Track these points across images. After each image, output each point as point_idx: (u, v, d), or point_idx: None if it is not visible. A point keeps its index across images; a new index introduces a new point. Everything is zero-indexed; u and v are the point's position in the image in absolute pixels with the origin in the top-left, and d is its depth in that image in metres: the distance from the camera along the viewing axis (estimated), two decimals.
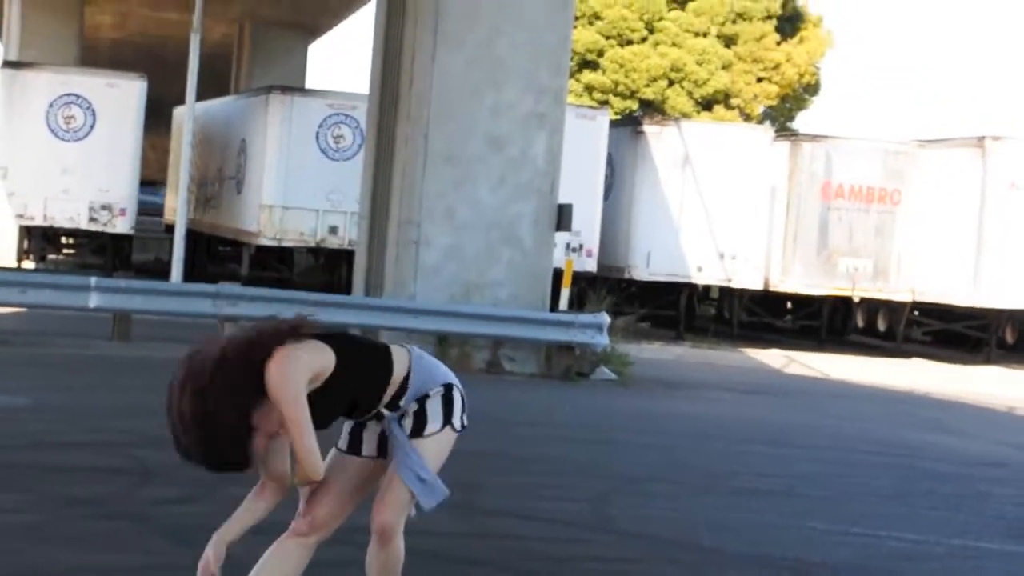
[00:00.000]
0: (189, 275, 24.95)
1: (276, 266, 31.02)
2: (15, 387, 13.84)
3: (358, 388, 5.69)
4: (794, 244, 29.33)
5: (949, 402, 20.89)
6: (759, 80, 48.37)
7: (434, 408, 5.92)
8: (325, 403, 5.54)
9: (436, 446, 5.98)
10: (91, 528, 8.02)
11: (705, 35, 47.35)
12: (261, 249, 29.49)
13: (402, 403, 5.82)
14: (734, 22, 47.58)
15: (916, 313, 30.55)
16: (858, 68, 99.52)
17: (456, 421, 6.00)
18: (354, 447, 5.92)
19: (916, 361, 28.41)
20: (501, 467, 11.53)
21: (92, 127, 30.06)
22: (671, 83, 47.05)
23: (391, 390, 5.77)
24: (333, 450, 5.95)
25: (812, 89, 50.54)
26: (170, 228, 30.90)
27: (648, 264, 28.84)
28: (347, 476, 5.90)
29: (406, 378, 5.80)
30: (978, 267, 28.43)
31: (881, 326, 31.17)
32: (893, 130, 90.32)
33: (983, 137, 28.73)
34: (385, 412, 5.81)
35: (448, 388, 5.94)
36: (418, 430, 5.89)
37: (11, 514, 8.30)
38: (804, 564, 8.57)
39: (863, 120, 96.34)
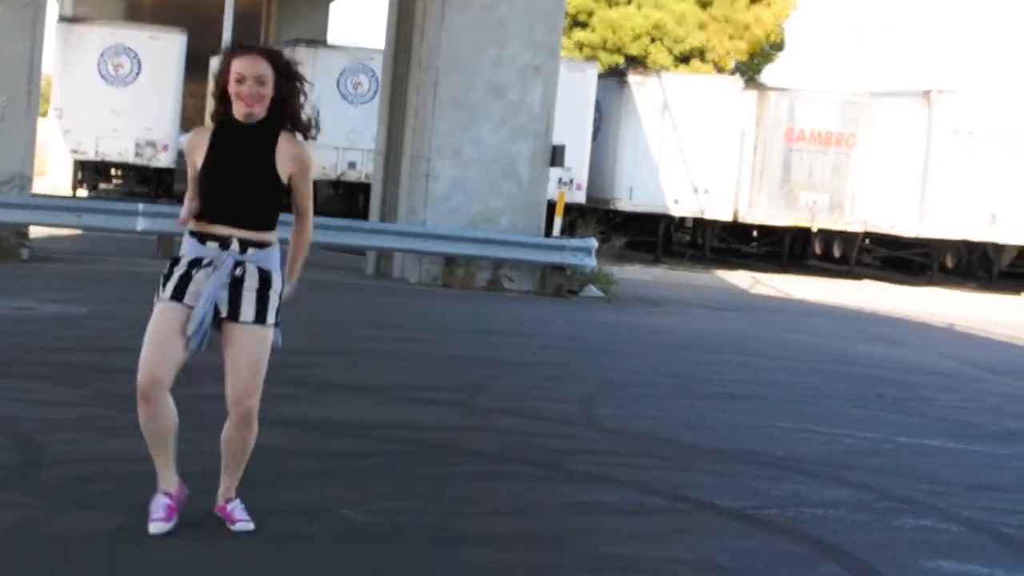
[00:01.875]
0: None
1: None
2: (75, 298, 13.81)
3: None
4: (760, 180, 29.27)
5: (896, 319, 20.88)
6: (731, 38, 48.03)
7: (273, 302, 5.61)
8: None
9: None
10: (136, 420, 7.97)
11: None
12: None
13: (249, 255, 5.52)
14: None
15: (867, 242, 30.60)
16: (819, 26, 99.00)
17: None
18: (177, 295, 5.55)
19: (867, 283, 28.41)
20: (500, 372, 11.51)
21: (138, 74, 29.99)
22: (653, 40, 46.75)
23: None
24: (156, 305, 5.62)
25: (778, 46, 50.23)
26: None
27: (631, 197, 28.84)
28: (173, 327, 5.56)
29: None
30: (923, 202, 28.46)
31: (836, 253, 31.22)
32: (849, 82, 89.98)
33: (929, 91, 28.80)
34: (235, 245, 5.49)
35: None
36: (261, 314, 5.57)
37: (73, 407, 8.29)
38: (770, 457, 8.57)
39: (823, 73, 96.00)
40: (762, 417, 10.17)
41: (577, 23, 46.51)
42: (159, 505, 5.71)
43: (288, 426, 7.54)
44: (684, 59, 47.14)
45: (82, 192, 31.63)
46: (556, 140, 19.51)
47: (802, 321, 19.27)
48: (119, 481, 6.53)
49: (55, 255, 18.17)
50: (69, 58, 29.92)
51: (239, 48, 5.56)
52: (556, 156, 19.42)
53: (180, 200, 26.15)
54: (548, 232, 20.04)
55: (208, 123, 5.74)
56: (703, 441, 8.95)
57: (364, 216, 23.79)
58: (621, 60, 46.18)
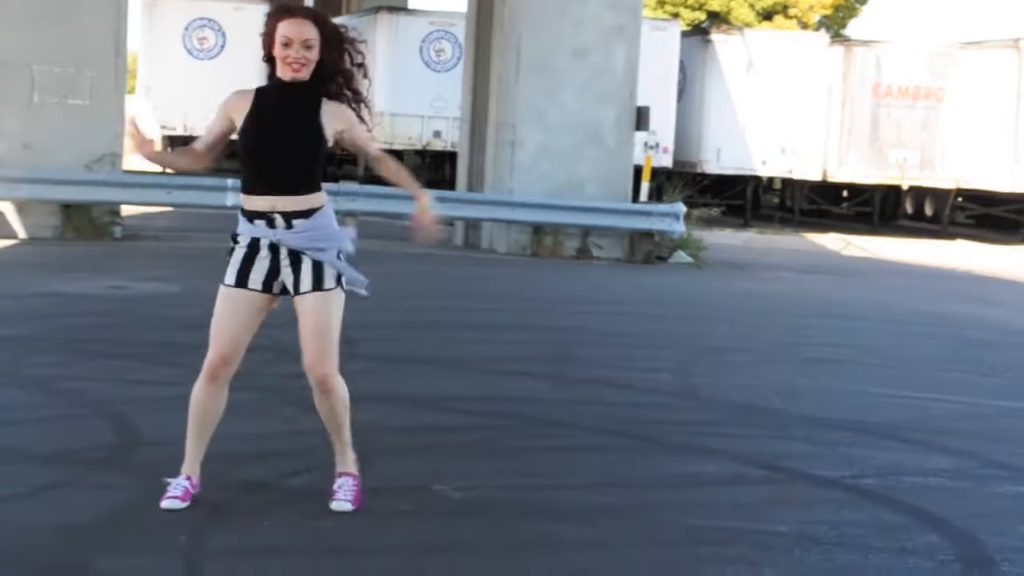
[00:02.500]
0: None
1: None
2: (167, 276, 13.96)
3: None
4: (849, 138, 28.89)
5: (991, 278, 20.57)
6: None
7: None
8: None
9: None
10: (235, 399, 7.96)
11: None
12: None
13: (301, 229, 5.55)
14: None
15: (959, 199, 30.06)
16: None
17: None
18: (242, 281, 5.68)
19: (960, 242, 27.99)
20: (591, 341, 11.48)
21: (223, 47, 30.15)
22: None
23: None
24: (224, 288, 5.72)
25: None
26: None
27: (718, 159, 28.58)
28: (239, 312, 5.72)
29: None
30: (1017, 156, 27.88)
31: (928, 211, 30.74)
32: (938, 34, 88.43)
33: (1019, 39, 28.13)
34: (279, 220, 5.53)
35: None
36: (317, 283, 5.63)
37: (166, 387, 8.36)
38: (866, 424, 8.47)
39: (910, 25, 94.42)
40: (857, 383, 10.06)
41: None
42: (179, 485, 5.79)
43: (375, 401, 7.57)
44: (767, 15, 46.64)
45: (171, 169, 31.93)
46: (640, 103, 19.37)
47: (895, 283, 19.04)
48: (216, 460, 6.56)
49: (147, 232, 18.38)
50: (154, 34, 30.19)
51: (284, 11, 5.58)
52: (641, 119, 19.30)
53: None
54: (635, 198, 19.93)
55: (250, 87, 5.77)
56: (798, 409, 8.86)
57: (450, 185, 23.79)
58: (703, 17, 45.76)
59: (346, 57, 5.61)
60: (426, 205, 5.69)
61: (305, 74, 5.51)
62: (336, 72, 5.58)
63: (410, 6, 38.11)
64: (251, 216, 5.62)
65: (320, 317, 5.63)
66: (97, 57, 17.44)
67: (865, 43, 29.65)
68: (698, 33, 30.39)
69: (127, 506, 5.81)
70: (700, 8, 46.12)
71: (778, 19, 46.49)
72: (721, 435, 7.91)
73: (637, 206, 19.27)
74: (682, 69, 28.65)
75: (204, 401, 5.84)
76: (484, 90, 19.76)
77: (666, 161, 27.52)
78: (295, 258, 5.60)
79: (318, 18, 5.56)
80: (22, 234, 17.03)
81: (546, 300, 14.32)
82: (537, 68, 18.90)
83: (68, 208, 17.28)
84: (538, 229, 18.85)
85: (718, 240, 22.64)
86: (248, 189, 5.61)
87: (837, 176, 29.21)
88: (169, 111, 30.09)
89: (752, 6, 46.18)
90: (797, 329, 13.07)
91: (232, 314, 5.71)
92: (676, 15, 42.96)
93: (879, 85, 28.86)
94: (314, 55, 5.51)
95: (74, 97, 17.42)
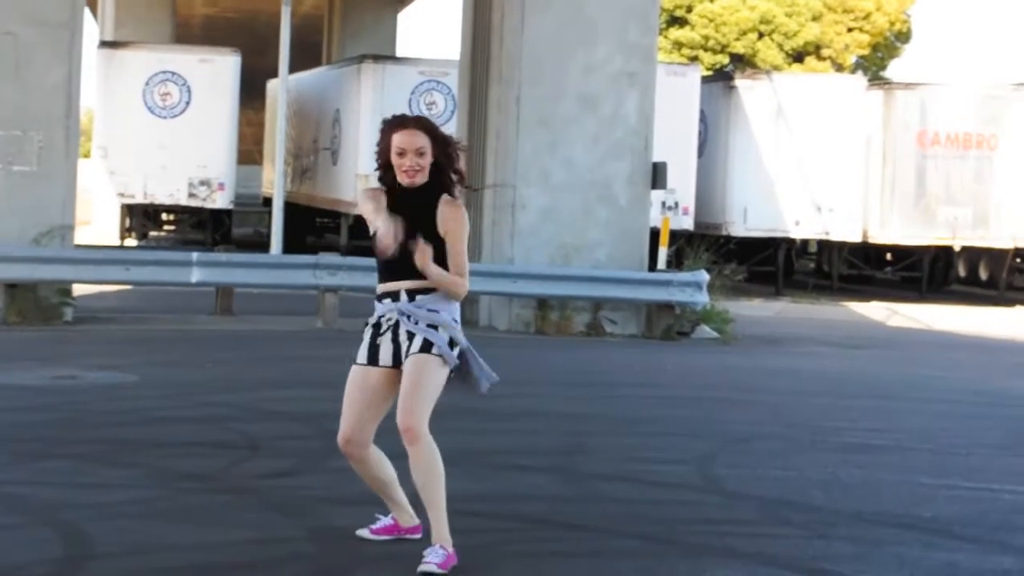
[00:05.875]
0: (288, 247, 25.04)
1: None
2: (123, 364, 13.94)
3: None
4: (891, 194, 28.97)
5: None
6: (849, 30, 47.80)
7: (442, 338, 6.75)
8: None
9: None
10: (200, 502, 8.03)
11: None
12: (360, 219, 29.41)
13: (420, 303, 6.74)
14: None
15: (1019, 260, 30.08)
16: (949, 12, 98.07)
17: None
18: (372, 359, 6.79)
19: (1020, 309, 27.97)
20: (604, 429, 11.44)
21: (188, 103, 30.25)
22: (761, 36, 46.61)
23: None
24: (353, 366, 6.86)
25: (903, 37, 49.88)
26: (268, 201, 31.06)
27: (745, 220, 28.62)
28: (368, 388, 6.80)
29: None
30: None
31: (983, 274, 30.77)
32: (988, 74, 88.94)
33: None
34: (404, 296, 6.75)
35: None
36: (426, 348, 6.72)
37: (121, 489, 8.33)
38: (917, 519, 8.41)
39: (956, 65, 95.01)
40: (905, 472, 10.00)
41: (674, 20, 46.54)
42: (381, 520, 7.17)
43: (361, 503, 7.52)
44: (797, 56, 46.98)
45: (131, 241, 32.00)
46: (657, 157, 19.43)
47: (947, 357, 19.01)
48: (180, 574, 6.54)
49: (101, 314, 18.39)
50: (112, 88, 30.27)
51: (398, 122, 6.82)
52: (658, 176, 19.35)
53: (239, 247, 26.26)
54: (652, 265, 19.96)
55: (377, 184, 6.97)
56: (838, 503, 8.81)
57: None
58: (726, 60, 46.09)
59: (454, 155, 6.87)
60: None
61: (420, 179, 6.76)
62: (451, 171, 6.86)
63: (399, 54, 38.47)
64: (381, 297, 6.89)
65: (417, 373, 6.68)
66: (45, 117, 17.50)
67: (908, 86, 29.80)
68: (720, 79, 30.56)
69: None
70: (722, 51, 46.45)
71: (810, 61, 46.81)
72: (750, 535, 7.85)
73: (654, 275, 19.28)
74: (703, 119, 28.78)
75: (360, 471, 6.99)
76: (481, 146, 19.82)
77: (686, 223, 27.60)
78: (411, 334, 6.75)
79: (427, 126, 6.81)
80: None
81: (553, 383, 14.29)
82: (539, 120, 18.99)
83: (12, 288, 17.30)
84: (543, 303, 18.86)
85: (746, 312, 22.66)
86: (382, 280, 6.91)
87: (880, 237, 29.25)
88: (128, 176, 30.13)
89: (780, 47, 46.52)
90: (837, 412, 13.01)
91: (358, 391, 6.85)
92: (695, 59, 43.30)
93: (924, 133, 28.98)
94: (427, 161, 6.76)
95: (19, 163, 17.49)
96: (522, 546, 7.44)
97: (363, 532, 7.18)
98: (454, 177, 6.90)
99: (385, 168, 6.87)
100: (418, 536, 7.05)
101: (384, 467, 6.97)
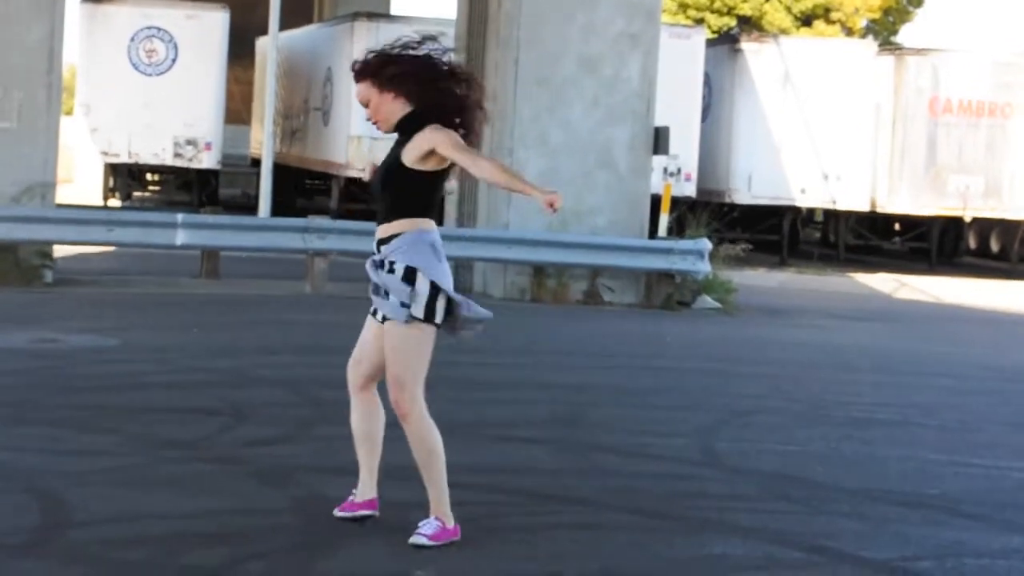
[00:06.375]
0: (277, 210, 24.98)
1: (366, 198, 30.99)
2: (105, 327, 13.93)
3: None
4: (901, 163, 28.92)
5: None
6: None
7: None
8: None
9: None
10: (182, 471, 8.02)
11: None
12: (351, 181, 29.43)
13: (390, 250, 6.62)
14: None
15: None
16: None
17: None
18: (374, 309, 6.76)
19: None
20: (601, 401, 11.44)
21: (174, 60, 30.17)
22: None
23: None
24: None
25: (915, 1, 49.71)
26: (256, 162, 31.00)
27: (749, 187, 28.60)
28: (368, 333, 6.81)
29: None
30: None
31: (994, 246, 30.79)
32: (1002, 41, 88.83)
33: None
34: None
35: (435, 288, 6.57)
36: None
37: (103, 457, 8.32)
38: (923, 497, 8.43)
39: (969, 32, 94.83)
40: (911, 448, 10.02)
41: None
42: (347, 501, 6.95)
43: (353, 474, 7.49)
44: (806, 20, 46.83)
45: (114, 202, 31.95)
46: (659, 122, 19.41)
47: (956, 330, 19.02)
48: (160, 544, 6.53)
49: (83, 277, 18.37)
50: (95, 44, 30.19)
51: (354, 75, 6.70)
52: (660, 141, 19.33)
53: (226, 208, 26.13)
54: (653, 233, 19.94)
55: None
56: (841, 479, 8.82)
57: (439, 219, 23.81)
58: (732, 23, 45.97)
59: (426, 85, 6.63)
60: (541, 193, 6.37)
61: (386, 126, 6.66)
62: (429, 108, 6.62)
63: (393, 12, 38.35)
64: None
65: (389, 348, 6.60)
66: (27, 74, 17.49)
67: (920, 51, 29.72)
68: (726, 41, 30.51)
69: None
70: (728, 13, 46.32)
71: (818, 25, 46.68)
72: (751, 511, 7.85)
73: (655, 243, 19.27)
74: (707, 83, 28.74)
75: (354, 422, 6.89)
76: None
77: (688, 190, 27.57)
78: (385, 291, 6.62)
79: (366, 70, 6.64)
80: None
81: (549, 353, 14.29)
82: (538, 82, 18.96)
83: None
84: (539, 270, 18.85)
85: (750, 281, 22.65)
86: None
87: (888, 207, 29.24)
88: (112, 134, 30.07)
89: (789, 10, 46.39)
90: (841, 385, 13.02)
91: (362, 337, 6.85)
92: (701, 21, 43.19)
93: (936, 100, 28.93)
94: (382, 110, 6.61)
95: (0, 120, 17.46)
96: (517, 519, 7.45)
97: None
98: (455, 118, 6.63)
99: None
100: (369, 512, 6.93)
101: (373, 421, 6.87)
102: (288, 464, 8.24)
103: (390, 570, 6.33)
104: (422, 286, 6.52)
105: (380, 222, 6.69)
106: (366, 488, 6.92)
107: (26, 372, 11.26)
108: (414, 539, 6.57)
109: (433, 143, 6.50)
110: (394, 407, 6.59)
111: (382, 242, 6.65)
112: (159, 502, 7.27)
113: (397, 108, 6.63)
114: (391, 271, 6.56)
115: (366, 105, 6.65)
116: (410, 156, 6.57)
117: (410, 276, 6.51)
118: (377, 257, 6.66)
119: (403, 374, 6.56)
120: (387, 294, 6.58)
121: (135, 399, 10.29)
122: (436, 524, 6.63)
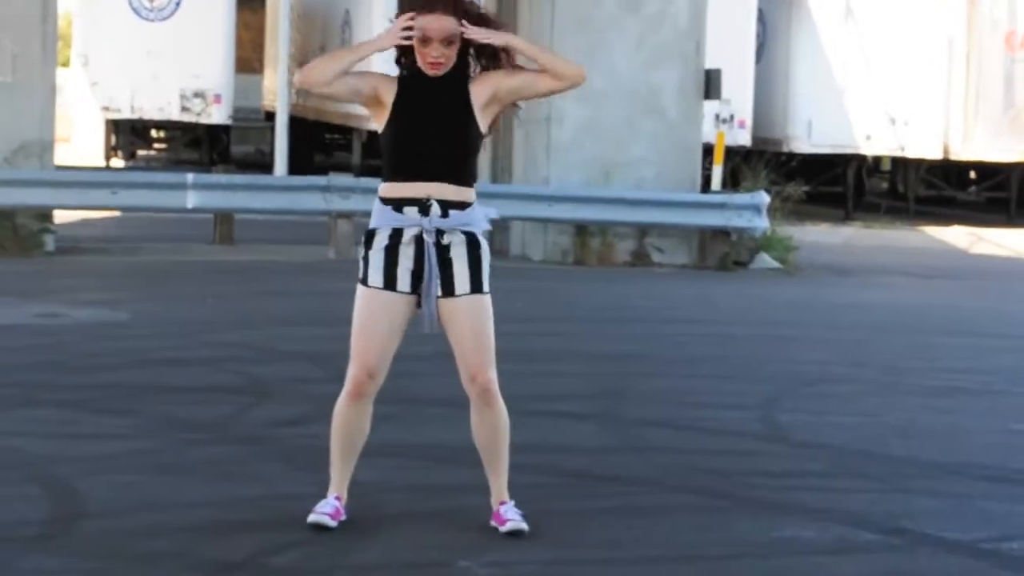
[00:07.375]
0: (294, 167, 25.02)
1: None
2: (113, 300, 14.01)
3: None
4: (976, 104, 28.73)
5: None
6: None
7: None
8: None
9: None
10: (202, 455, 8.08)
11: None
12: (373, 135, 29.39)
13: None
14: None
15: None
16: None
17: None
18: (390, 282, 6.43)
19: None
20: (651, 371, 11.48)
21: (178, 4, 30.12)
22: None
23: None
24: (368, 291, 6.46)
25: None
26: (270, 116, 31.03)
27: (810, 134, 28.46)
28: (390, 315, 6.47)
29: None
30: None
31: None
32: None
33: None
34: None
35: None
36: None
37: (117, 440, 8.39)
38: (1008, 472, 8.44)
39: None
40: (994, 419, 10.02)
41: None
42: (328, 503, 6.61)
43: (382, 454, 7.54)
44: None
45: (117, 162, 32.02)
46: (710, 63, 19.36)
47: None
48: (181, 534, 6.59)
49: (86, 244, 18.45)
50: None
51: (424, 2, 6.39)
52: (711, 85, 19.29)
53: (240, 167, 26.04)
54: (705, 186, 19.91)
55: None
56: (919, 453, 8.83)
57: None
58: None
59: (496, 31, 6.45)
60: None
61: (448, 68, 6.39)
62: (488, 55, 6.49)
63: None
64: (399, 204, 6.43)
65: (479, 321, 6.50)
66: (19, 23, 17.49)
67: None
68: None
69: None
70: None
71: None
72: (820, 489, 7.88)
73: (707, 197, 19.26)
74: (762, 20, 28.60)
75: (350, 421, 6.65)
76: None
77: (743, 138, 27.50)
78: (444, 257, 6.43)
79: (458, 7, 6.38)
80: None
81: (594, 320, 14.31)
82: (577, 22, 18.92)
83: None
84: (582, 229, 18.85)
85: (812, 238, 22.62)
86: (399, 176, 6.46)
87: (962, 153, 29.06)
88: (112, 87, 30.02)
89: None
90: (915, 350, 13.02)
91: (377, 319, 6.48)
92: None
93: (1014, 34, 28.72)
94: (454, 51, 6.38)
95: None
96: (562, 503, 7.47)
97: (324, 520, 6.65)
98: (503, 58, 6.52)
99: (404, 51, 6.51)
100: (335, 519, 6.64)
101: (368, 422, 6.71)
102: (316, 445, 8.23)
103: (433, 559, 6.36)
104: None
105: (438, 179, 6.42)
106: (344, 488, 6.74)
107: (30, 350, 11.33)
108: (514, 526, 6.62)
109: (505, 74, 6.49)
110: (484, 393, 6.55)
111: (450, 206, 6.40)
112: (178, 489, 7.34)
113: (454, 54, 6.44)
114: (472, 243, 6.47)
115: (447, 43, 6.36)
116: (482, 97, 6.48)
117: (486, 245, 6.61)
118: (444, 223, 6.42)
119: (492, 354, 6.54)
120: (456, 266, 6.44)
121: (149, 377, 10.36)
122: (516, 508, 6.72)
